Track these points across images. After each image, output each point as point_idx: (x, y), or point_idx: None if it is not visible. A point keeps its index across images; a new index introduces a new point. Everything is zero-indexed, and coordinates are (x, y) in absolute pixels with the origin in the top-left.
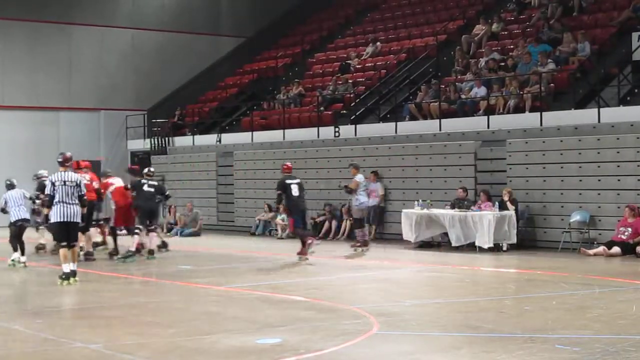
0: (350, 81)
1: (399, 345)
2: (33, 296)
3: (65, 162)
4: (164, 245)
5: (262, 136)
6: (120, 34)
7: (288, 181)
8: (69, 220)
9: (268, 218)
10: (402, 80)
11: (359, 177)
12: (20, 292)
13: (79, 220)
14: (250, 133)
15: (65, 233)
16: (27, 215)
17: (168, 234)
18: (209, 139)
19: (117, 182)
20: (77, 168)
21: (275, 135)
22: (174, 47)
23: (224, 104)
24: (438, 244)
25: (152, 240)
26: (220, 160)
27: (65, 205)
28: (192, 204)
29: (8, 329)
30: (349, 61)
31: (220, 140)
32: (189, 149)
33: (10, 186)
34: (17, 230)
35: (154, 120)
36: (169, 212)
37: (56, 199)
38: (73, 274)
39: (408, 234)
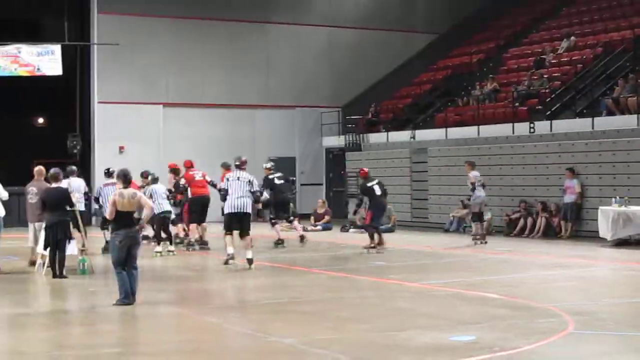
0: (546, 76)
1: (594, 345)
2: (228, 290)
3: (242, 165)
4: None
5: (456, 132)
6: (316, 32)
7: (369, 184)
8: (239, 211)
9: (462, 215)
10: (598, 75)
11: (474, 173)
12: (214, 287)
13: (249, 211)
14: (444, 129)
15: (234, 222)
16: (170, 208)
17: (363, 230)
18: (403, 135)
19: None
20: (190, 167)
21: (469, 131)
22: (369, 44)
23: (418, 100)
24: (636, 242)
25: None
26: (414, 157)
27: (236, 198)
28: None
29: (205, 322)
30: (544, 56)
31: (414, 137)
32: (383, 146)
33: (155, 180)
34: (161, 222)
35: (348, 117)
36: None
37: (230, 193)
38: (250, 261)
39: (605, 231)
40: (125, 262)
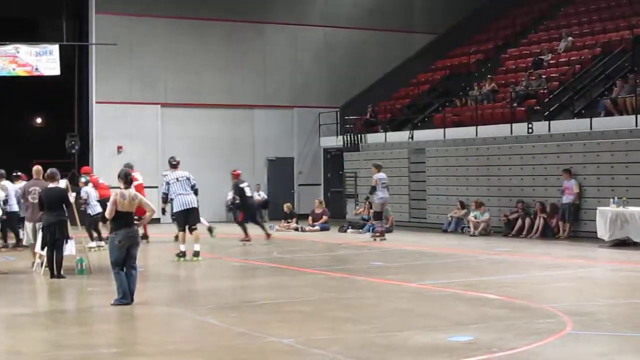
0: (544, 77)
1: (592, 345)
2: (226, 290)
3: (177, 165)
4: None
5: (454, 133)
6: (313, 32)
7: (241, 185)
8: (188, 207)
9: (460, 215)
10: (597, 75)
11: (377, 175)
12: (211, 287)
13: (195, 205)
14: (442, 130)
15: (185, 218)
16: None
17: (360, 230)
18: (401, 135)
19: (139, 177)
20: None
21: (467, 131)
22: (367, 45)
23: (416, 101)
24: (634, 242)
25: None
26: (412, 157)
27: (182, 196)
28: None
29: (203, 322)
30: (542, 56)
31: (412, 137)
32: (381, 146)
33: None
34: (95, 222)
35: (346, 117)
36: (364, 208)
37: (176, 193)
38: (197, 254)
39: (602, 232)
40: (124, 263)
